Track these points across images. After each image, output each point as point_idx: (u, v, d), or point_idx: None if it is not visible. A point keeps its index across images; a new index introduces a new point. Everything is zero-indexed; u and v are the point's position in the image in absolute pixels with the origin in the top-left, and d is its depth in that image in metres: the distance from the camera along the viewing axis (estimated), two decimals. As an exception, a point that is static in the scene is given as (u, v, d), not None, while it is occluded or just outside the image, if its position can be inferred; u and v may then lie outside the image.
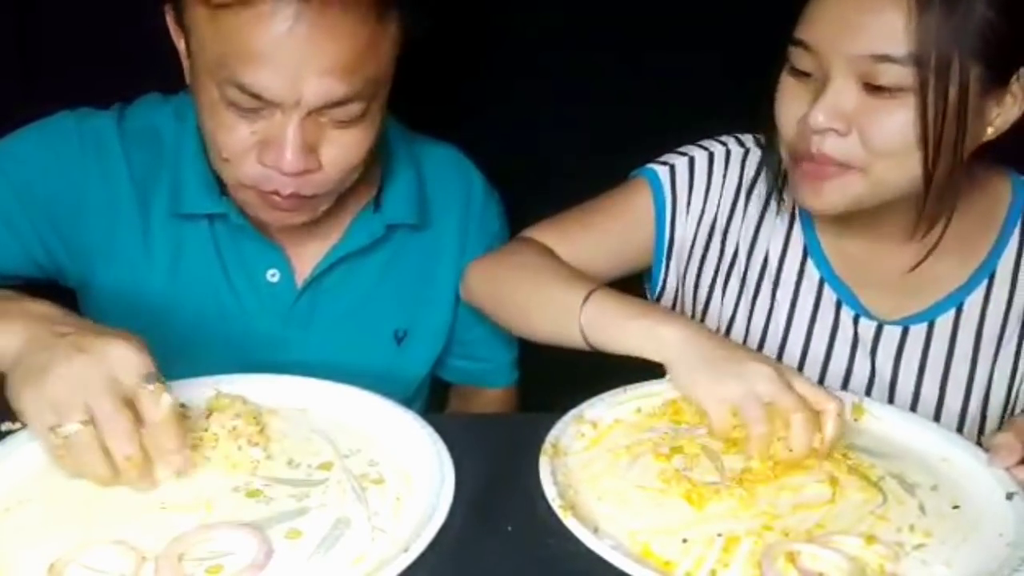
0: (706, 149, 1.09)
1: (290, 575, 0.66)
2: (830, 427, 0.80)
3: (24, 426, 0.77)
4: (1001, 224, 1.00)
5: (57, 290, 1.04)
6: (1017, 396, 1.00)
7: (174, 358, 0.81)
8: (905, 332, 1.00)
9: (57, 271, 1.04)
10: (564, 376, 0.98)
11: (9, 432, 0.78)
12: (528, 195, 1.28)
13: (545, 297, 0.98)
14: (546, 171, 1.36)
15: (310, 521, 0.71)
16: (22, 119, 1.00)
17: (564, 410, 0.86)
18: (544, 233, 1.09)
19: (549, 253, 1.05)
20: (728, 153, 1.08)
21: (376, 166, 1.06)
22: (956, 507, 0.76)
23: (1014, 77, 0.87)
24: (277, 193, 0.91)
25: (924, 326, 1.00)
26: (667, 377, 0.87)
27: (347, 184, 0.96)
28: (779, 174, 1.02)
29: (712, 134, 1.11)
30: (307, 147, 0.88)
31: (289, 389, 0.87)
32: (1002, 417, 1.00)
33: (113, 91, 1.05)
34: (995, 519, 0.74)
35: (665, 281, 1.10)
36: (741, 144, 1.09)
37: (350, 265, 1.06)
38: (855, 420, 0.89)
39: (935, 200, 0.90)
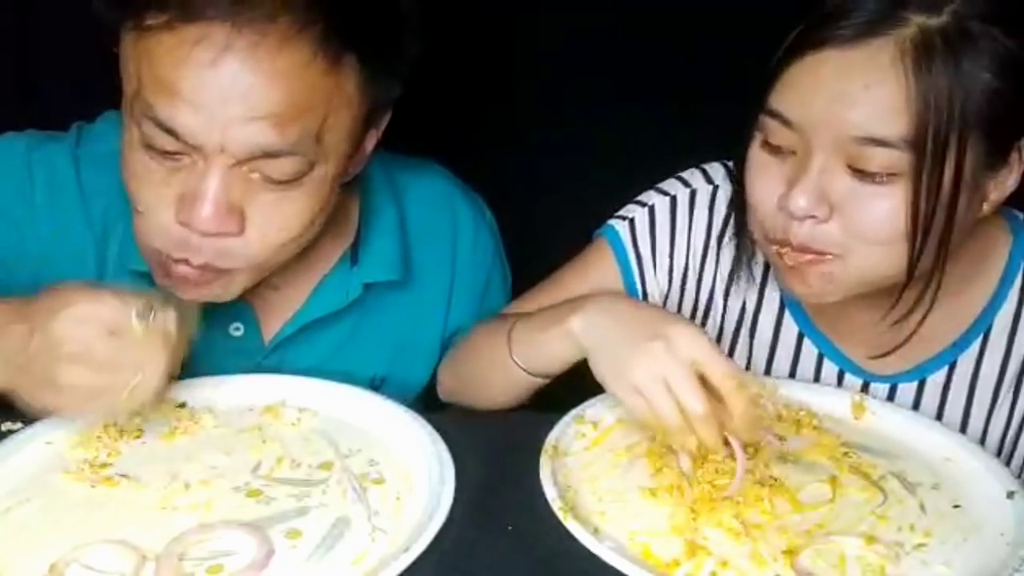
0: (667, 194, 0.99)
1: (290, 575, 0.66)
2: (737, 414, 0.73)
3: (25, 425, 0.78)
4: (999, 274, 0.91)
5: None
6: (1009, 460, 0.94)
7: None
8: (893, 389, 0.94)
9: None
10: (564, 376, 0.98)
11: (9, 432, 0.78)
12: (533, 207, 1.27)
13: (486, 352, 0.92)
14: (552, 182, 1.36)
15: (310, 521, 0.71)
16: (21, 121, 1.00)
17: (564, 410, 0.86)
18: (512, 311, 1.01)
19: (503, 317, 0.97)
20: (693, 195, 0.98)
21: (354, 207, 0.97)
22: (957, 506, 0.76)
23: (1014, 148, 0.80)
24: (185, 262, 0.80)
25: (914, 384, 0.93)
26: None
27: (271, 263, 0.83)
28: (753, 252, 0.94)
29: (717, 145, 1.01)
30: (229, 205, 0.76)
31: (289, 389, 0.87)
32: None
33: (113, 93, 1.04)
34: (996, 518, 0.74)
35: None
36: (709, 180, 0.99)
37: (323, 324, 0.97)
38: (856, 419, 0.89)
39: (919, 286, 0.81)
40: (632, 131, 1.33)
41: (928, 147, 0.74)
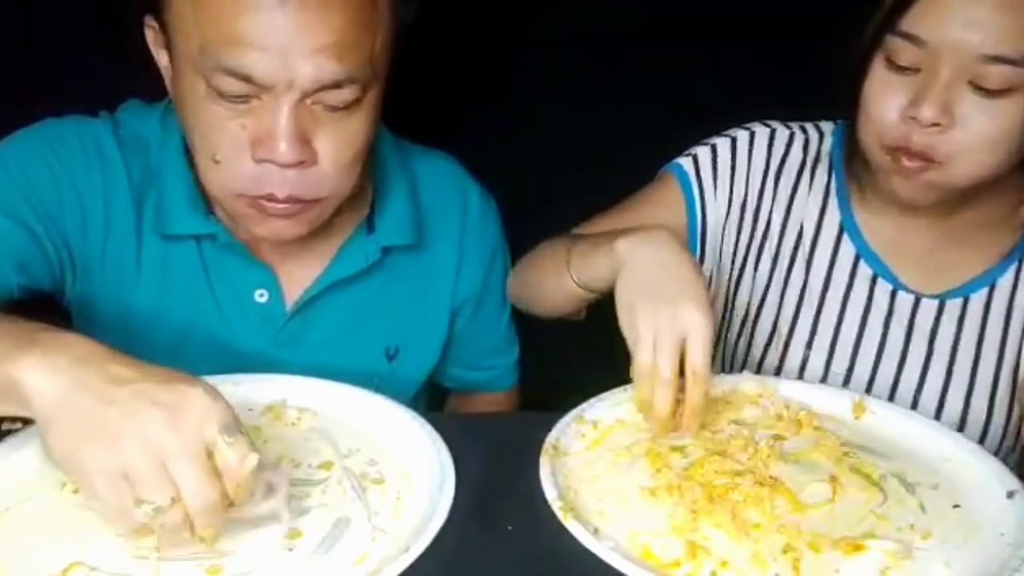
0: (728, 136, 1.11)
1: (290, 575, 0.66)
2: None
3: (25, 424, 0.77)
4: None
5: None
6: None
7: None
8: (941, 306, 1.03)
9: (61, 282, 0.98)
10: (564, 376, 0.98)
11: (9, 432, 0.78)
12: (536, 200, 1.28)
13: (550, 264, 1.02)
14: (552, 178, 1.36)
15: (310, 521, 0.71)
16: (22, 121, 1.00)
17: (564, 410, 0.86)
18: (582, 231, 1.09)
19: (571, 236, 1.06)
20: (752, 136, 1.10)
21: (368, 183, 1.03)
22: (957, 506, 0.76)
23: None
24: (272, 198, 0.87)
25: (960, 301, 1.03)
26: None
27: (345, 187, 0.91)
28: (852, 158, 1.03)
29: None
30: (301, 136, 0.84)
31: (289, 389, 0.87)
32: None
33: (113, 92, 1.04)
34: (996, 518, 0.74)
35: (703, 267, 1.10)
36: (767, 126, 1.11)
37: (343, 288, 1.02)
38: (856, 418, 0.89)
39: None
40: (631, 131, 1.33)
41: None
